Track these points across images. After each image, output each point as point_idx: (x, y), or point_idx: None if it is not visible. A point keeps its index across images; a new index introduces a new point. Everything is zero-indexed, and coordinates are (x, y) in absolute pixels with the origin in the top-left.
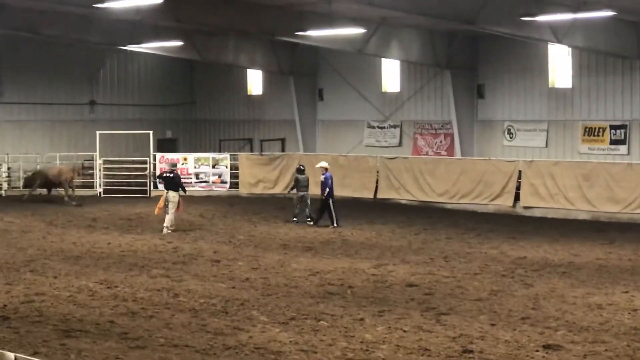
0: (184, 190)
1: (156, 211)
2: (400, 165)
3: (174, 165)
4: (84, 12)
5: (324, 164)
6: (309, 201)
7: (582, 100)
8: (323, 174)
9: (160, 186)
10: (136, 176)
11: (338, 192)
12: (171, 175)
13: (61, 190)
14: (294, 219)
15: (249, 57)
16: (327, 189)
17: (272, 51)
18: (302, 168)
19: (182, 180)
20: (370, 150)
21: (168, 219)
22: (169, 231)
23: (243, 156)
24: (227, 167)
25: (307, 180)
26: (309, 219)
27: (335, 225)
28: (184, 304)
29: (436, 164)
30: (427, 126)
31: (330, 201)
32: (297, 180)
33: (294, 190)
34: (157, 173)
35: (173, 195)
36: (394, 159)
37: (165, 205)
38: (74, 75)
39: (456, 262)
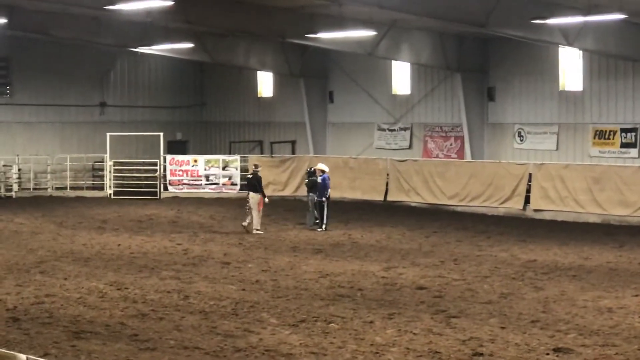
0: (262, 193)
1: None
2: (411, 168)
3: (256, 166)
4: (95, 14)
5: (323, 166)
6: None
7: (593, 103)
8: (320, 176)
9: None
10: (146, 178)
11: (348, 194)
12: (250, 176)
13: None
14: (317, 222)
15: (259, 59)
16: (329, 190)
17: (282, 53)
18: (313, 170)
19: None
20: (380, 152)
21: (248, 219)
22: (258, 231)
23: (253, 158)
24: (237, 169)
25: None
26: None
27: (324, 228)
28: (194, 306)
29: (446, 167)
30: (437, 129)
31: (326, 203)
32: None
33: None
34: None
35: (252, 196)
36: (404, 162)
37: (246, 206)
38: (85, 77)
39: (466, 265)
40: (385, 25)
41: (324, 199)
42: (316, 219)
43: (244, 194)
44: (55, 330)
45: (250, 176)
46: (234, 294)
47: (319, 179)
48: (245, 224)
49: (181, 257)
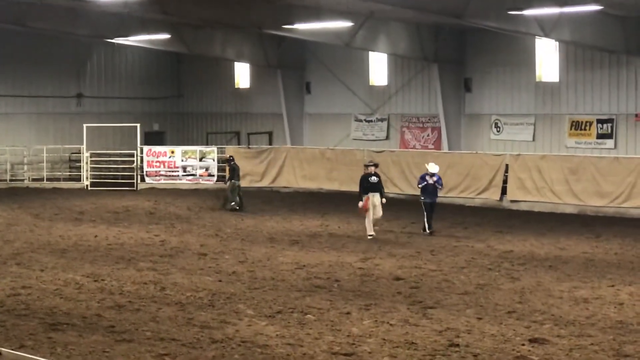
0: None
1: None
2: (388, 159)
3: (374, 165)
4: (71, 5)
5: (433, 165)
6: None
7: (569, 94)
8: (432, 176)
9: None
10: (123, 169)
11: (325, 185)
12: (374, 177)
13: None
14: (235, 207)
15: (236, 50)
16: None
17: (259, 44)
18: (232, 158)
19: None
20: (357, 143)
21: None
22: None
23: (231, 149)
24: (214, 160)
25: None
26: (234, 205)
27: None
28: (170, 298)
29: (423, 158)
30: (414, 119)
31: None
32: (234, 170)
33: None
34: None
35: (376, 197)
36: (381, 152)
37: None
38: (61, 68)
39: (443, 256)
40: (362, 16)
41: (424, 199)
42: (231, 202)
43: (221, 185)
44: (31, 322)
45: (374, 177)
46: (210, 285)
47: (433, 179)
48: (373, 233)
49: (158, 248)
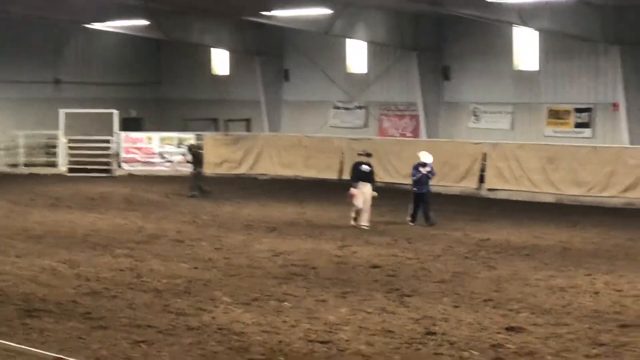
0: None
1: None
2: (366, 147)
3: (368, 154)
4: None
5: (426, 155)
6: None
7: (548, 83)
8: (424, 165)
9: None
10: (101, 155)
11: (302, 172)
12: (366, 166)
13: None
14: (194, 194)
15: (214, 36)
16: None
17: (238, 31)
18: (193, 146)
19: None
20: (335, 131)
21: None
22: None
23: (208, 136)
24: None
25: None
26: (195, 193)
27: (413, 221)
28: (147, 284)
29: (401, 146)
30: (392, 108)
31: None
32: (195, 157)
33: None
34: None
35: (366, 188)
36: (359, 140)
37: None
38: (38, 53)
39: (420, 244)
40: (341, 3)
41: (415, 189)
42: (204, 191)
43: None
44: (6, 309)
45: (366, 166)
46: (186, 272)
47: (426, 169)
48: (356, 222)
49: (135, 234)
